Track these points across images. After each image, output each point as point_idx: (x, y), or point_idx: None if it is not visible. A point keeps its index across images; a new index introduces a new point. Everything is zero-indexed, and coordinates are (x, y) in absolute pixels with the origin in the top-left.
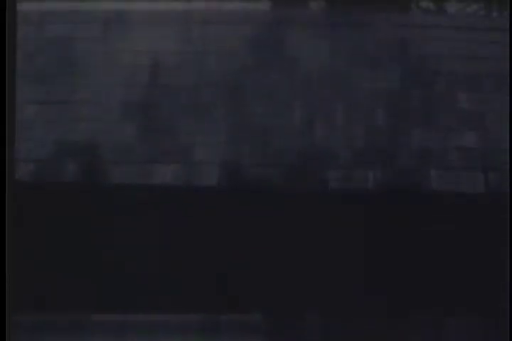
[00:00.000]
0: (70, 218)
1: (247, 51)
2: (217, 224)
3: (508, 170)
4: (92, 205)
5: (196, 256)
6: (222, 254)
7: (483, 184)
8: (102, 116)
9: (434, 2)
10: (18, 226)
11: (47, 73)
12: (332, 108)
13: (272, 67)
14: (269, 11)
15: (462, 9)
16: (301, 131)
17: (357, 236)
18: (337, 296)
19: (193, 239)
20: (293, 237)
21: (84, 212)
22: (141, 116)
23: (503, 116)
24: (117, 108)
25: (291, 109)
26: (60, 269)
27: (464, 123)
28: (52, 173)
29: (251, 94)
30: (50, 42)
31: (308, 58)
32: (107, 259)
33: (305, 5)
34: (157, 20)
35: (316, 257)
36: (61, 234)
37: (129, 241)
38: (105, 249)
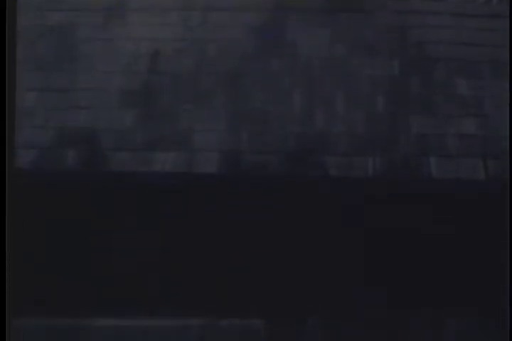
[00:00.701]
0: (70, 206)
1: (247, 38)
2: (217, 211)
3: (507, 157)
4: (92, 193)
5: (196, 243)
6: (222, 242)
7: (483, 171)
8: (102, 104)
9: None
10: (17, 214)
11: (47, 60)
12: (332, 95)
13: (271, 54)
14: None
15: None
16: (300, 118)
17: (356, 224)
18: (335, 287)
19: (193, 226)
20: (293, 224)
21: (84, 199)
22: (141, 104)
23: (503, 102)
24: (117, 95)
25: (291, 96)
26: (58, 265)
27: (464, 109)
28: (52, 161)
29: (251, 81)
30: (51, 30)
31: (308, 45)
32: (106, 249)
33: None
34: (157, 8)
35: (316, 245)
36: (60, 222)
37: (129, 229)
38: (105, 238)
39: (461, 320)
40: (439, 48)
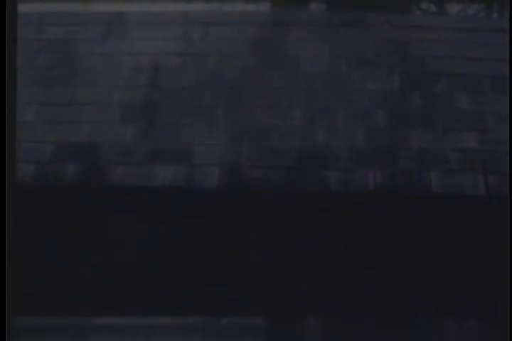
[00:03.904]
0: (70, 220)
1: (247, 52)
2: (217, 226)
3: (508, 172)
4: (93, 207)
5: (196, 257)
6: (222, 256)
7: (483, 186)
8: (102, 118)
9: (434, 3)
10: (18, 227)
11: (47, 75)
12: (332, 109)
13: (272, 69)
14: (270, 12)
15: (462, 10)
16: (301, 133)
17: (357, 238)
18: (337, 297)
19: (193, 241)
20: (293, 239)
21: (84, 213)
22: (141, 118)
23: (504, 117)
24: (117, 109)
25: (291, 111)
26: (59, 271)
27: (464, 124)
28: (53, 175)
29: (251, 95)
30: (51, 44)
31: (308, 60)
32: (106, 261)
33: (305, 6)
34: (157, 22)
35: (316, 258)
36: (61, 235)
37: (129, 243)
38: (105, 251)
39: (461, 320)
40: (439, 63)
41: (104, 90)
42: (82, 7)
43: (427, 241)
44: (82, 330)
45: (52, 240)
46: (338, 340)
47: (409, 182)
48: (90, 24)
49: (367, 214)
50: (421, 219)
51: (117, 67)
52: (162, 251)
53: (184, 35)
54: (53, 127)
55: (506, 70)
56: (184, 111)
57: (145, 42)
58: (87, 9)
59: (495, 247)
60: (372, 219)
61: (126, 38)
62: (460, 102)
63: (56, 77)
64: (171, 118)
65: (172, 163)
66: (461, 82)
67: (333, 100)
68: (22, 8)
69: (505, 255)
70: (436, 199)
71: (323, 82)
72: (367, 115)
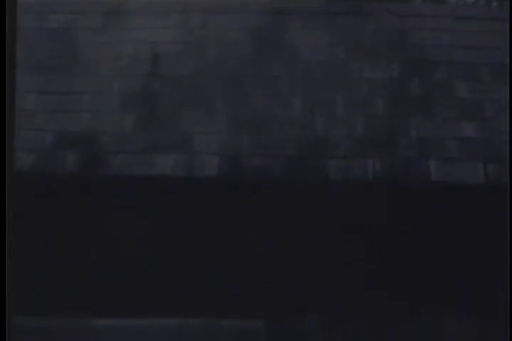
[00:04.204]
0: (70, 208)
1: (247, 41)
2: (217, 214)
3: (507, 160)
4: (92, 195)
5: (195, 246)
6: (222, 245)
7: (482, 174)
8: (102, 106)
9: None
10: (18, 216)
11: (47, 63)
12: (332, 97)
13: (271, 57)
14: (269, 0)
15: None
16: (300, 121)
17: (356, 226)
18: (336, 288)
19: (193, 229)
20: (293, 227)
21: (84, 202)
22: (141, 106)
23: (503, 106)
24: (117, 98)
25: (291, 99)
26: (59, 263)
27: (464, 113)
28: (52, 163)
29: (251, 84)
30: (51, 33)
31: (307, 48)
32: (106, 250)
33: None
34: (157, 10)
35: (316, 247)
36: (61, 224)
37: (129, 231)
38: (105, 239)
39: (461, 320)
40: (439, 51)
41: (104, 79)
42: None
43: (426, 229)
44: (81, 330)
45: (52, 228)
46: (339, 337)
47: (408, 170)
48: (90, 13)
49: (366, 202)
50: (420, 207)
51: (117, 56)
52: (161, 240)
53: (184, 23)
54: (53, 116)
55: (506, 58)
56: (184, 100)
57: (145, 30)
58: None
59: (494, 236)
60: (371, 207)
61: (126, 27)
62: (459, 91)
63: (56, 65)
64: (170, 107)
65: (172, 151)
66: (460, 71)
67: (332, 89)
68: None
69: (505, 244)
70: (436, 187)
71: (322, 70)
72: (366, 104)
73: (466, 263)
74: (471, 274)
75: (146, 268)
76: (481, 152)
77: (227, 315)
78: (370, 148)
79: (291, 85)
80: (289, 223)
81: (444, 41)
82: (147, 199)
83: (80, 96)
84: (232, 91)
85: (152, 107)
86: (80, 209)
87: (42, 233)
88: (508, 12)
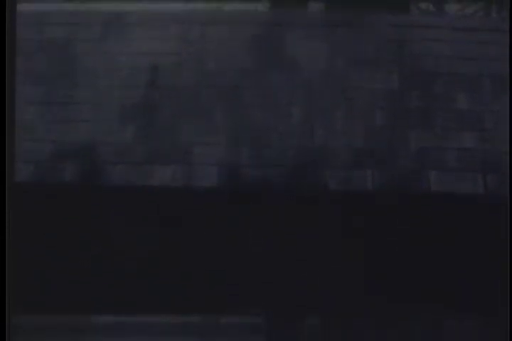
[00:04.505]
0: (69, 219)
1: (247, 52)
2: (216, 225)
3: (507, 171)
4: (91, 206)
5: (195, 257)
6: (222, 255)
7: (482, 185)
8: (101, 117)
9: (433, 3)
10: (18, 227)
11: (47, 74)
12: (331, 109)
13: (271, 68)
14: (268, 11)
15: (461, 10)
16: (300, 132)
17: (356, 237)
18: (337, 297)
19: (193, 240)
20: (293, 237)
21: (83, 213)
22: (140, 117)
23: (503, 117)
24: (116, 109)
25: (290, 110)
26: (58, 270)
27: (463, 124)
28: (51, 174)
29: (250, 94)
30: (50, 44)
31: (307, 59)
32: (105, 261)
33: (304, 6)
34: (156, 22)
35: (316, 256)
36: (60, 235)
37: (128, 243)
38: (104, 250)
39: (461, 320)
40: (438, 62)
41: (103, 90)
42: (82, 7)
43: (426, 240)
44: (81, 329)
45: (51, 239)
46: (339, 337)
47: (408, 181)
48: (89, 24)
49: (366, 213)
50: (420, 218)
51: (116, 67)
52: (161, 251)
53: (183, 34)
54: (52, 126)
55: (506, 70)
56: (183, 111)
57: (144, 41)
58: (87, 9)
59: (494, 247)
60: (371, 218)
61: (126, 38)
62: (459, 102)
63: (55, 76)
64: (169, 118)
65: (171, 162)
66: (460, 82)
67: (332, 100)
68: (21, 7)
69: (505, 255)
70: (436, 198)
71: (322, 81)
72: (366, 114)
73: (466, 274)
74: (471, 285)
75: (145, 272)
76: (481, 163)
77: (227, 313)
78: (370, 158)
79: (291, 96)
80: (288, 233)
81: (444, 52)
82: (146, 210)
83: (80, 107)
84: (231, 102)
85: (151, 118)
86: (79, 220)
87: (41, 243)
88: (508, 23)
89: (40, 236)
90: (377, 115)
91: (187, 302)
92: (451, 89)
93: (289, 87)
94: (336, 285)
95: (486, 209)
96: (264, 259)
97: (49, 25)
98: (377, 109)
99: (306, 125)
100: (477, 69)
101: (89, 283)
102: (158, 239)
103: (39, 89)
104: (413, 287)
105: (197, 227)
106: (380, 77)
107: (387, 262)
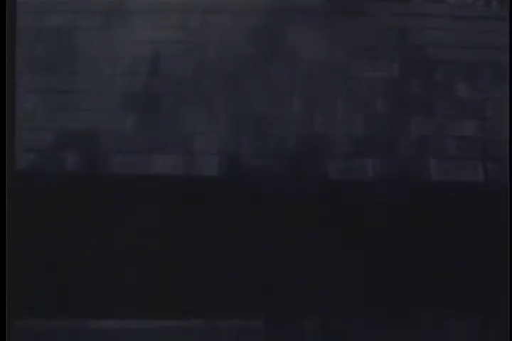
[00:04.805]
0: (70, 208)
1: (247, 40)
2: (217, 214)
3: (507, 159)
4: (92, 195)
5: (196, 245)
6: (223, 244)
7: (482, 173)
8: (103, 106)
9: None
10: (18, 215)
11: (48, 63)
12: (332, 98)
13: (272, 57)
14: (270, 0)
15: None
16: (301, 121)
17: (357, 226)
18: (336, 289)
19: (194, 228)
20: (293, 226)
21: (84, 201)
22: (141, 106)
23: (503, 105)
24: (118, 97)
25: (291, 99)
26: (57, 264)
27: (464, 112)
28: (52, 163)
29: (251, 83)
30: (51, 32)
31: (308, 48)
32: (106, 249)
33: None
34: (157, 10)
35: (316, 246)
36: (61, 223)
37: (130, 231)
38: (105, 240)
39: (461, 320)
40: (439, 51)
41: (105, 78)
42: None
43: (426, 228)
44: (81, 332)
45: (52, 228)
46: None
47: (408, 169)
48: (91, 12)
49: (366, 201)
50: (420, 206)
51: (117, 55)
52: (162, 239)
53: (184, 23)
54: (53, 115)
55: (506, 58)
56: (184, 100)
57: (145, 30)
58: None
59: (495, 235)
60: (371, 206)
61: (127, 26)
62: (459, 90)
63: (56, 65)
64: (171, 107)
65: (172, 151)
66: (460, 70)
67: (332, 89)
68: None
69: (505, 242)
70: (436, 186)
71: (323, 70)
72: (366, 103)
73: (466, 262)
74: (471, 273)
75: (146, 268)
76: (481, 151)
77: (227, 315)
78: (370, 147)
79: (291, 85)
80: (289, 222)
81: (444, 41)
82: (147, 198)
83: (81, 95)
84: (232, 91)
85: (152, 107)
86: (81, 208)
87: (42, 232)
88: (508, 11)
89: (41, 224)
90: (377, 103)
91: (187, 304)
92: (452, 78)
93: (290, 76)
94: (335, 277)
95: (486, 197)
96: (264, 247)
97: (50, 14)
98: (377, 97)
99: (306, 114)
100: (477, 58)
101: (89, 283)
102: (159, 227)
103: (40, 78)
104: (413, 279)
105: (198, 215)
106: (381, 65)
107: (388, 252)
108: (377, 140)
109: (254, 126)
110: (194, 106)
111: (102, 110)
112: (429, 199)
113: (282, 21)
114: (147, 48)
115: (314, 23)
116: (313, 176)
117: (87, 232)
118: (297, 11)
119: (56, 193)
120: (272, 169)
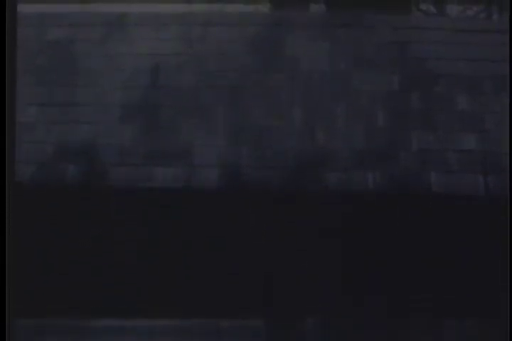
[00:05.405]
0: (70, 220)
1: (247, 53)
2: (217, 227)
3: (508, 173)
4: (92, 208)
5: (196, 258)
6: (222, 256)
7: (483, 187)
8: (103, 118)
9: (434, 4)
10: (18, 228)
11: (48, 75)
12: (332, 110)
13: (271, 69)
14: (269, 12)
15: (462, 11)
16: (300, 133)
17: (356, 238)
18: (336, 297)
19: (193, 242)
20: (292, 239)
21: (84, 214)
22: (141, 118)
23: (503, 118)
24: (118, 110)
25: (291, 111)
26: (58, 272)
27: (464, 125)
28: (53, 175)
29: (251, 95)
30: (51, 45)
31: (307, 60)
32: (105, 262)
33: (305, 7)
34: (157, 23)
35: (316, 257)
36: (60, 236)
37: (129, 244)
38: (105, 252)
39: (461, 320)
40: (439, 64)
41: (105, 91)
42: (83, 8)
43: (426, 241)
44: (81, 332)
45: (52, 241)
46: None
47: (409, 183)
48: (91, 25)
49: (367, 214)
50: (421, 219)
51: (117, 68)
52: (162, 252)
53: (184, 35)
54: (53, 127)
55: (506, 71)
56: (184, 112)
57: (145, 42)
58: (88, 10)
59: (495, 248)
60: (372, 219)
61: (127, 39)
62: (460, 103)
63: (56, 77)
64: (170, 119)
65: (172, 163)
66: (460, 83)
67: (332, 101)
68: (23, 8)
69: (505, 256)
70: (436, 199)
71: (322, 82)
72: (367, 116)
73: (466, 276)
74: (470, 286)
75: (145, 273)
76: (482, 164)
77: (227, 315)
78: (371, 160)
79: (291, 97)
80: (289, 234)
81: (445, 54)
82: (147, 211)
83: (81, 108)
84: (232, 103)
85: (152, 119)
86: (80, 221)
87: (42, 244)
88: (508, 24)
89: (41, 237)
90: (378, 116)
91: (187, 304)
92: (452, 90)
93: (290, 88)
94: (336, 286)
95: (486, 211)
96: (264, 260)
97: (50, 27)
98: (378, 110)
99: (307, 126)
100: (478, 71)
101: (89, 284)
102: (159, 240)
103: (40, 90)
104: (413, 287)
105: (198, 228)
106: (381, 78)
107: (388, 264)
108: (377, 152)
109: (254, 137)
110: (194, 118)
111: (102, 123)
112: (429, 212)
113: (282, 33)
114: (147, 61)
115: (314, 35)
116: (313, 188)
117: (86, 244)
118: (297, 23)
119: (56, 205)
120: (273, 181)
